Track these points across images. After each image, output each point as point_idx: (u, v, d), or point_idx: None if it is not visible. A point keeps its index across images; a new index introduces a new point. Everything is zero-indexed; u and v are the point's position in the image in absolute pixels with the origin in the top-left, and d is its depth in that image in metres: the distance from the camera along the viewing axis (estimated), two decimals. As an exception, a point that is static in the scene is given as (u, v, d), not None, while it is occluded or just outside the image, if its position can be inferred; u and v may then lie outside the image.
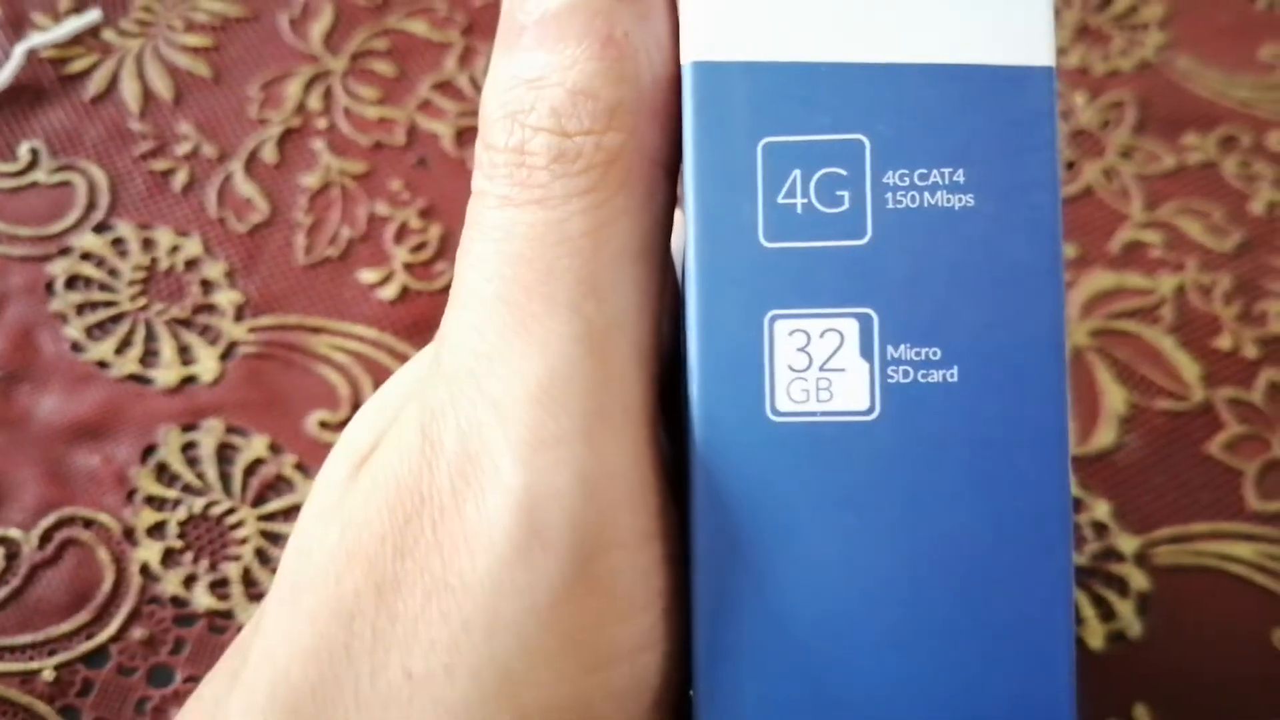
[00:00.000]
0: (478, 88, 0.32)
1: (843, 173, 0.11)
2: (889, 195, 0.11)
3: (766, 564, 0.11)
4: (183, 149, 0.31)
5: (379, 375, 0.28)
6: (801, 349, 0.11)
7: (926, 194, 0.11)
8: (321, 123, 0.31)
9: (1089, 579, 0.26)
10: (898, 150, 0.11)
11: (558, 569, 0.11)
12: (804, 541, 0.11)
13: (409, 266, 0.29)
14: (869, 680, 0.11)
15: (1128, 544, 0.26)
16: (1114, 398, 0.28)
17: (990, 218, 0.11)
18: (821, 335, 0.11)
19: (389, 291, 0.29)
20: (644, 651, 0.12)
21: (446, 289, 0.29)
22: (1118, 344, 0.29)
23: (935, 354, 0.11)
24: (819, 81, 0.11)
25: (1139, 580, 0.26)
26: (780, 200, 0.11)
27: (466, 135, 0.31)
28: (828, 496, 0.11)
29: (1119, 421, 0.28)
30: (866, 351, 0.11)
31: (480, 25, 0.33)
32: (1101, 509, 0.27)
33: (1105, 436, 0.27)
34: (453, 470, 0.12)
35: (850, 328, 0.11)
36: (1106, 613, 0.25)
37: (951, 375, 0.11)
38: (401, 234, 0.30)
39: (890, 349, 0.11)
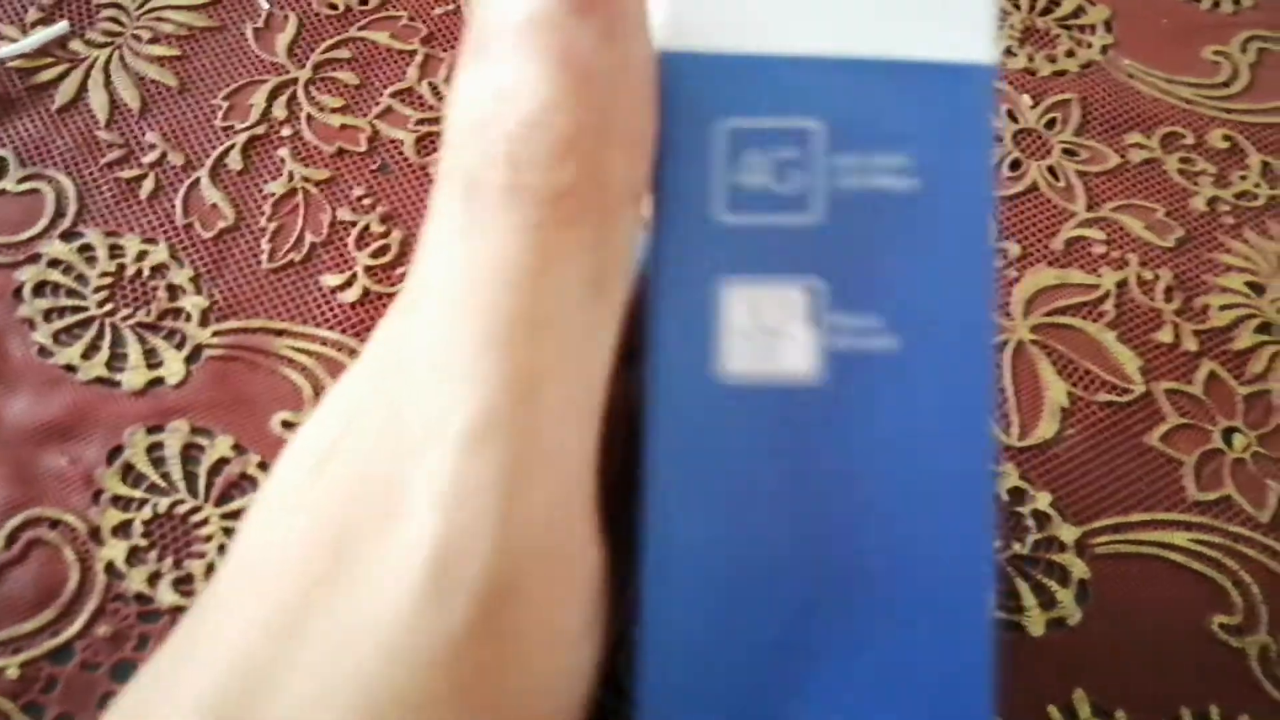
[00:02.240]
0: (439, 95, 0.33)
1: (797, 155, 0.12)
2: (839, 177, 0.12)
3: (712, 514, 0.12)
4: (150, 157, 0.32)
5: (341, 376, 0.29)
6: (751, 314, 0.12)
7: (874, 177, 0.12)
8: (286, 130, 0.32)
9: (1031, 568, 0.27)
10: (848, 136, 0.12)
11: (462, 618, 0.11)
12: (747, 495, 0.12)
13: (370, 270, 0.30)
14: (797, 629, 0.12)
15: (1068, 534, 0.27)
16: (1056, 391, 0.29)
17: (932, 201, 0.12)
18: (771, 303, 0.12)
19: (351, 295, 0.30)
20: (550, 696, 0.12)
21: (407, 292, 0.30)
22: (1060, 338, 0.29)
23: (877, 323, 0.12)
24: (776, 72, 0.12)
25: (1079, 568, 0.26)
26: (738, 179, 0.12)
27: (427, 142, 0.32)
28: (771, 453, 0.12)
29: (1060, 414, 0.28)
30: (812, 319, 0.12)
31: (440, 34, 0.34)
32: (1043, 499, 0.27)
33: (1047, 429, 0.28)
34: (379, 499, 0.12)
35: (798, 296, 0.12)
36: (1047, 600, 0.26)
37: (891, 344, 0.12)
38: (363, 239, 0.31)
39: (834, 317, 0.12)
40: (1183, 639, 0.26)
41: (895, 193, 0.12)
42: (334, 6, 0.35)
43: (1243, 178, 0.32)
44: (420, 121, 0.32)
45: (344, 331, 0.29)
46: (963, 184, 0.12)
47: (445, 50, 0.34)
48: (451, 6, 0.35)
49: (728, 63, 0.12)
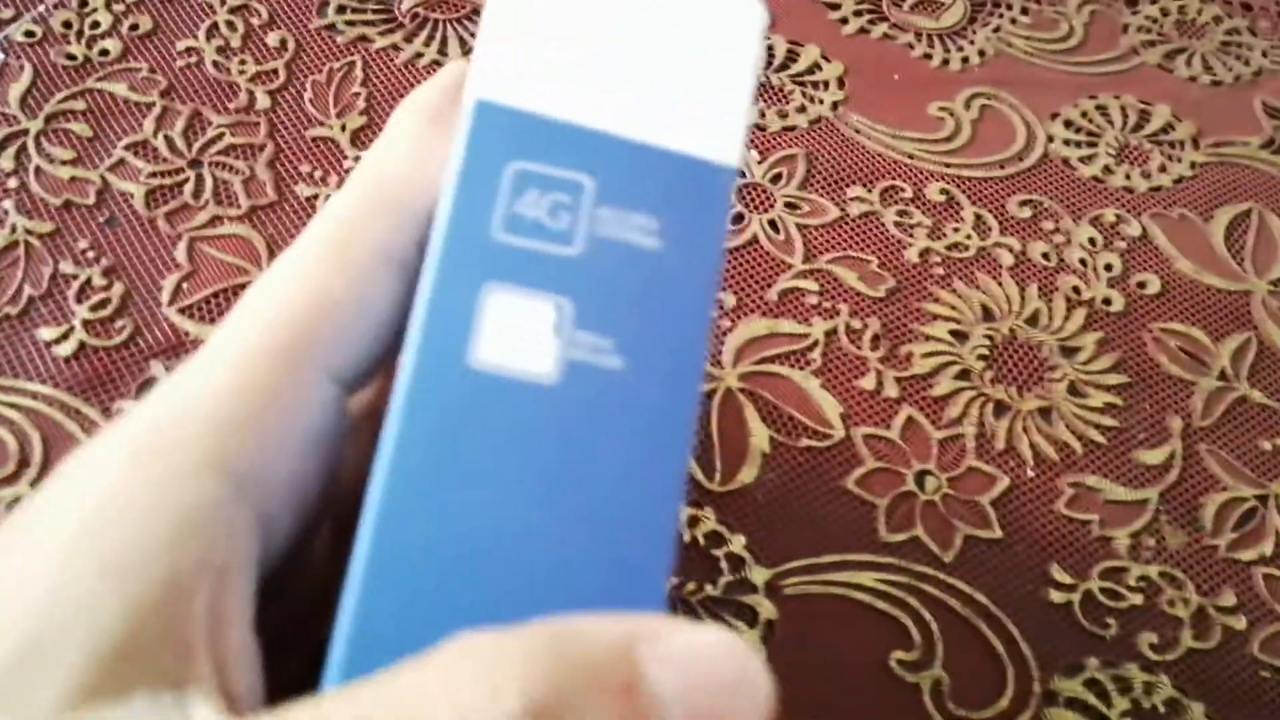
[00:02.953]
0: (173, 148, 0.33)
1: (567, 199, 0.15)
2: (599, 224, 0.15)
3: (441, 484, 0.14)
4: None
5: (50, 432, 0.28)
6: (507, 318, 0.14)
7: (627, 231, 0.15)
8: (12, 182, 0.32)
9: (721, 609, 0.27)
10: (612, 194, 0.15)
11: None
12: (475, 473, 0.14)
13: (88, 324, 0.30)
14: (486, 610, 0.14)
15: (759, 575, 0.28)
16: (760, 437, 0.30)
17: (669, 260, 0.15)
18: (526, 310, 0.14)
19: (65, 349, 0.29)
20: None
21: (125, 345, 0.30)
22: (767, 385, 0.30)
23: (609, 345, 0.14)
24: (567, 134, 0.15)
25: (767, 609, 0.27)
26: (516, 209, 0.14)
27: (158, 195, 0.32)
28: (503, 435, 0.14)
29: (762, 459, 0.29)
30: (557, 330, 0.14)
31: (180, 86, 0.34)
32: (738, 542, 0.28)
33: (748, 474, 0.29)
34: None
35: (548, 310, 0.14)
36: (733, 643, 0.27)
37: (618, 363, 0.14)
38: (84, 292, 0.30)
39: (576, 333, 0.14)
40: (862, 675, 0.27)
41: (641, 247, 0.15)
42: (72, 57, 0.34)
43: (956, 229, 0.34)
44: (152, 174, 0.32)
45: (57, 386, 0.29)
46: (695, 254, 0.15)
47: (184, 103, 0.34)
48: (193, 59, 0.35)
49: (528, 118, 0.15)
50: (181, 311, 0.30)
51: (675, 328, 0.14)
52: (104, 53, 0.35)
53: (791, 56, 0.37)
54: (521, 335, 0.14)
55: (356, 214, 0.15)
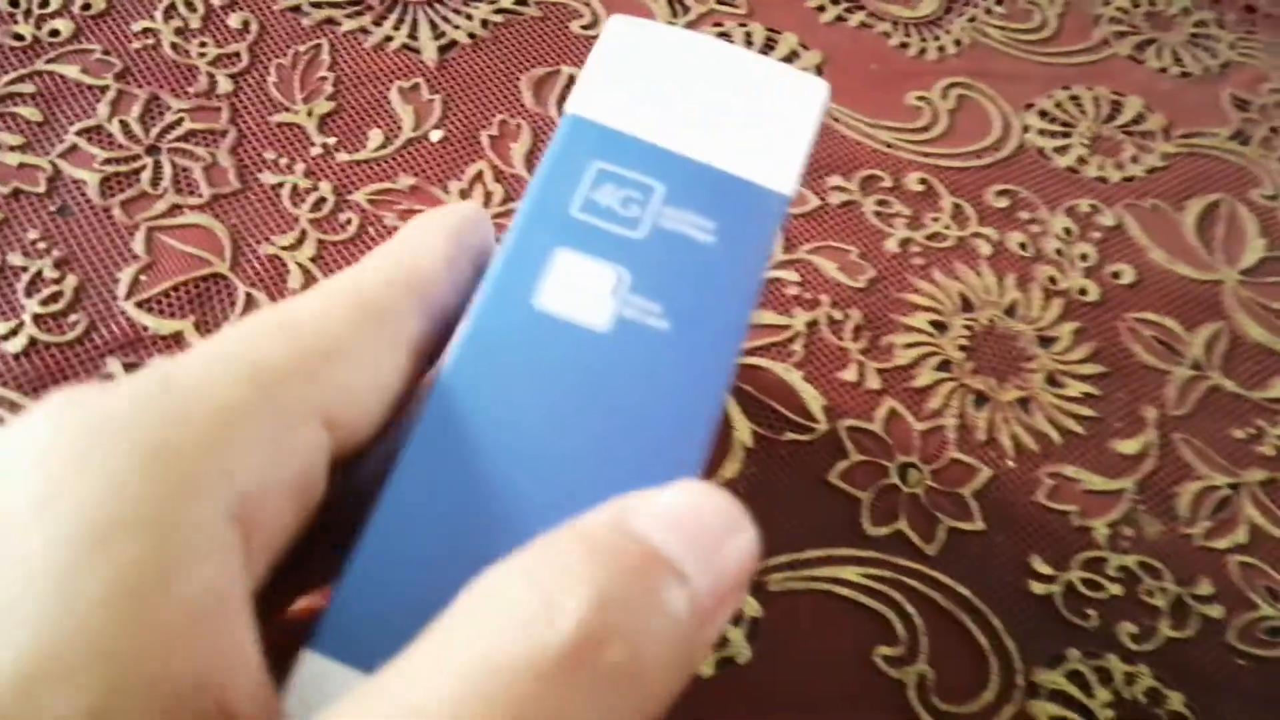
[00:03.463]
0: (129, 134, 0.32)
1: (639, 196, 0.17)
2: (663, 218, 0.17)
3: (489, 403, 0.16)
4: None
5: (1, 433, 0.27)
6: (573, 276, 0.17)
7: (688, 228, 0.17)
8: (-43, 169, 0.30)
9: (705, 608, 0.27)
10: (677, 197, 0.18)
11: None
12: (521, 395, 0.16)
13: (39, 319, 0.29)
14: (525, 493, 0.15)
15: (743, 572, 0.27)
16: (742, 431, 0.29)
17: (721, 252, 0.17)
18: (590, 272, 0.17)
19: (15, 345, 0.28)
20: None
21: (79, 341, 0.29)
22: (749, 379, 0.30)
23: (658, 309, 0.17)
24: (643, 148, 0.18)
25: (751, 606, 0.27)
26: (593, 196, 0.17)
27: (112, 183, 0.31)
28: (552, 369, 0.16)
29: (745, 454, 0.29)
30: (613, 291, 0.17)
31: (136, 69, 0.33)
32: (722, 540, 0.28)
33: (730, 468, 0.29)
34: None
35: (609, 274, 0.17)
36: (718, 641, 0.27)
37: (664, 325, 0.16)
38: (34, 285, 0.29)
39: (630, 296, 0.17)
40: (848, 672, 0.27)
41: (699, 242, 0.17)
42: (20, 37, 0.33)
43: (935, 219, 0.34)
44: (107, 161, 0.31)
45: (6, 385, 0.28)
46: (745, 251, 0.17)
47: (140, 86, 0.32)
48: (150, 41, 0.33)
49: (614, 134, 0.18)
50: (139, 305, 0.29)
51: (719, 305, 0.17)
52: (54, 33, 0.33)
53: (770, 44, 0.37)
54: (583, 291, 0.17)
55: (385, 291, 0.16)
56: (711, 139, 0.18)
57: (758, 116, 0.19)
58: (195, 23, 0.34)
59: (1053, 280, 0.33)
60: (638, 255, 0.17)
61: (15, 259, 0.29)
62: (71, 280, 0.29)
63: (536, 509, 0.15)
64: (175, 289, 0.29)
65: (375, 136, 0.33)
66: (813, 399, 0.30)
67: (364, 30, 0.35)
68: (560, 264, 0.17)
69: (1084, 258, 0.34)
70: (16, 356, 0.28)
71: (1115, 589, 0.29)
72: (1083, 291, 0.33)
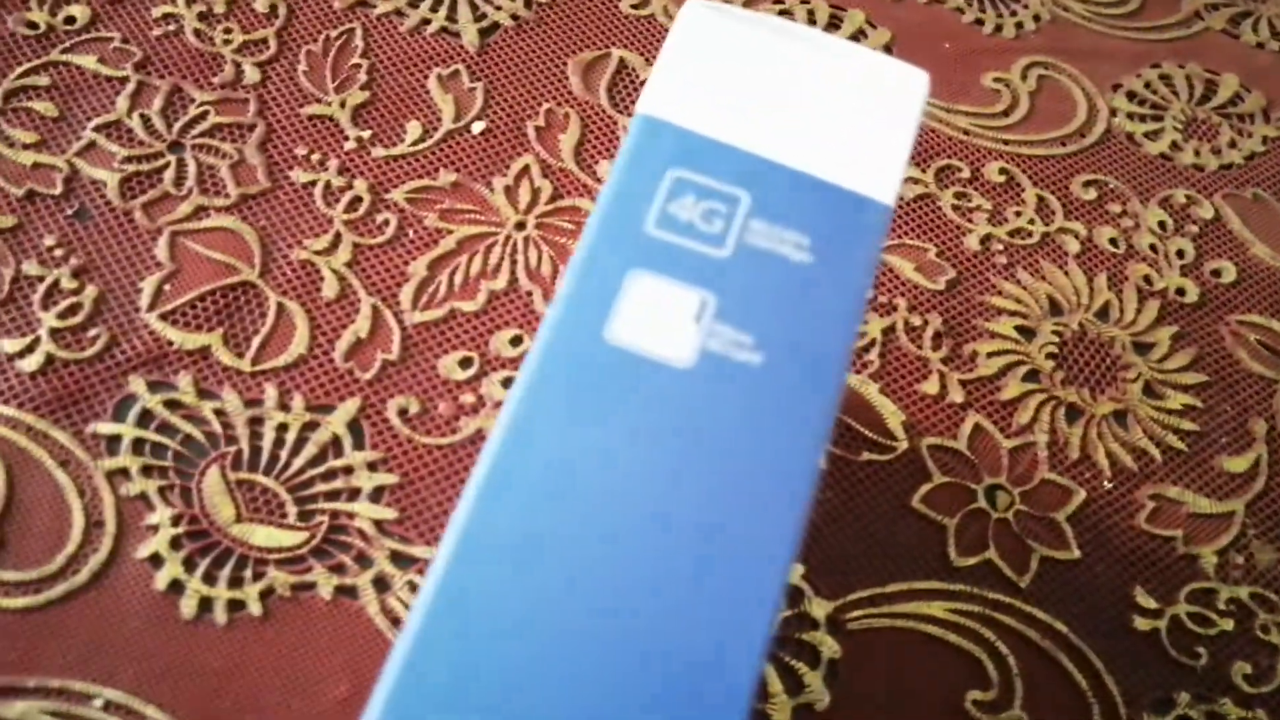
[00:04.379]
0: (151, 129, 0.29)
1: (722, 208, 0.15)
2: (750, 234, 0.15)
3: (559, 444, 0.14)
4: None
5: (15, 460, 0.25)
6: (649, 302, 0.15)
7: (779, 244, 0.15)
8: (-33, 170, 0.28)
9: (779, 649, 0.25)
10: (765, 209, 0.15)
11: None
12: (594, 436, 0.14)
13: (56, 333, 0.26)
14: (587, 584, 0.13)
15: (820, 609, 0.25)
16: (815, 451, 0.27)
17: (818, 273, 0.15)
18: (668, 298, 0.15)
19: (31, 363, 0.26)
20: None
21: (99, 357, 0.27)
22: (822, 394, 0.28)
23: (749, 340, 0.15)
24: (722, 152, 0.16)
25: (830, 647, 0.25)
26: (670, 209, 0.15)
27: (133, 183, 0.29)
28: (626, 409, 0.14)
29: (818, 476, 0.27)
30: (697, 320, 0.15)
31: (157, 58, 0.30)
32: (795, 572, 0.25)
33: (804, 493, 0.26)
34: None
35: (693, 300, 0.15)
36: (794, 685, 0.24)
37: (756, 359, 0.14)
38: (51, 296, 0.27)
39: (716, 325, 0.15)
40: (936, 719, 0.24)
41: (792, 260, 0.15)
42: (33, 25, 0.31)
43: (1018, 214, 0.31)
44: (127, 159, 0.29)
45: (21, 407, 0.26)
46: (844, 271, 0.15)
47: (162, 77, 0.30)
48: (172, 28, 0.31)
49: (690, 135, 0.16)
50: (163, 317, 0.27)
51: (817, 334, 0.15)
52: (70, 20, 0.31)
53: (834, 22, 0.34)
54: (661, 320, 0.15)
55: None
56: (802, 141, 0.16)
57: (852, 114, 0.16)
58: (219, 7, 0.32)
59: (1147, 280, 0.31)
60: (723, 276, 0.15)
61: (31, 268, 0.27)
62: (91, 291, 0.27)
63: (609, 589, 0.13)
64: (201, 299, 0.27)
65: (413, 129, 0.30)
66: (891, 414, 0.27)
67: (399, 12, 0.32)
68: (634, 289, 0.15)
69: (1180, 254, 0.31)
70: (33, 376, 0.26)
71: (1226, 624, 0.26)
72: (1180, 292, 0.31)
